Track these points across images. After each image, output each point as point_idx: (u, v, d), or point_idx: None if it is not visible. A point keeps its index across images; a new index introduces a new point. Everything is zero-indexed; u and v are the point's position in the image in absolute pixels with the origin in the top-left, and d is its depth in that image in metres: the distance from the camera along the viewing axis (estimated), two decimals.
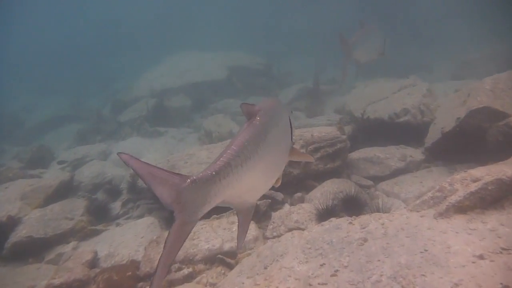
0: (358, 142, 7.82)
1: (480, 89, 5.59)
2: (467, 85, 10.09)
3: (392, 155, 6.26)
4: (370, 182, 6.01)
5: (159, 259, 1.74)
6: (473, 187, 3.60)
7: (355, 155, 6.57)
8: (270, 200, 5.53)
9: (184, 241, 1.82)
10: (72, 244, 5.70)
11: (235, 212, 5.62)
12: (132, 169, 1.79)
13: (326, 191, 5.49)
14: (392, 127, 7.35)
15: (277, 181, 2.52)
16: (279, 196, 5.67)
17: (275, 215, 5.12)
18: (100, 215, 6.49)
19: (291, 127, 2.68)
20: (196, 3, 37.96)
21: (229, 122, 11.37)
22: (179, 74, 16.71)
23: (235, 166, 1.94)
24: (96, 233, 5.93)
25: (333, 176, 6.00)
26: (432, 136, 6.34)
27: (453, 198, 3.66)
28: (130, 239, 5.39)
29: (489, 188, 3.53)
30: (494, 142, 5.30)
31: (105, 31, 38.82)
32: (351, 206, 5.09)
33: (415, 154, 6.36)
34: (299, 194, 5.68)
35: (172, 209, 1.79)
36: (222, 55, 18.68)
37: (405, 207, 4.29)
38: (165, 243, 1.76)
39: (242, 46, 21.38)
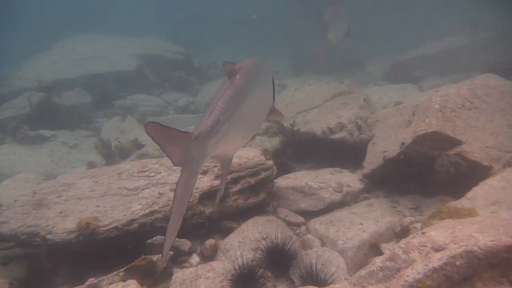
0: (286, 158, 7.11)
1: (428, 108, 4.98)
2: (405, 89, 9.95)
3: (326, 184, 5.46)
4: (301, 219, 5.17)
5: (171, 214, 2.02)
6: (436, 261, 2.83)
7: (283, 182, 5.68)
8: (172, 252, 4.40)
9: (191, 193, 2.12)
10: None
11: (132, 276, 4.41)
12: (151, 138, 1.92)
13: (246, 238, 4.52)
14: (325, 143, 6.62)
15: (252, 138, 2.86)
16: (186, 245, 4.55)
17: (177, 277, 4.00)
18: None
19: (273, 87, 2.99)
20: None
21: (135, 126, 9.90)
22: (77, 62, 14.59)
23: (223, 121, 2.18)
24: None
25: (256, 213, 5.05)
26: (372, 160, 5.68)
27: (411, 275, 2.86)
28: None
29: (457, 263, 2.78)
30: (444, 174, 4.74)
31: None
32: (277, 259, 4.18)
33: (353, 181, 5.65)
34: (211, 242, 4.61)
35: (180, 166, 2.03)
36: (132, 41, 16.87)
37: (346, 279, 3.44)
38: (174, 197, 2.02)
39: (158, 31, 19.58)
